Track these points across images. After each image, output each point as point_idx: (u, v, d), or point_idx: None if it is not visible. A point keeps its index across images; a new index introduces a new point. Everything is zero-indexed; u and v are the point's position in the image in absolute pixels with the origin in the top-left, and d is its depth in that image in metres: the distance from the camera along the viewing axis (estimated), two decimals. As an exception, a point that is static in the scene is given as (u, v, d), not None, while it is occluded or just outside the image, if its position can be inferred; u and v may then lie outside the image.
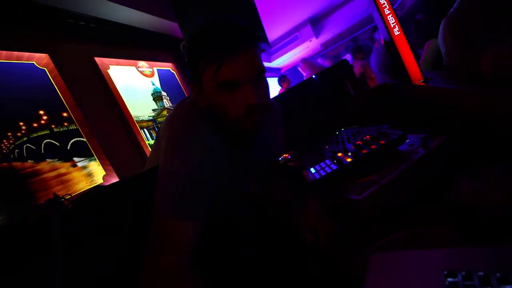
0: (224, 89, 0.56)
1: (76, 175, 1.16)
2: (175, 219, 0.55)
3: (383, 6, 1.12)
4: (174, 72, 2.21)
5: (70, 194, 0.80)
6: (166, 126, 0.67)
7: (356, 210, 0.62)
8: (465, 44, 0.77)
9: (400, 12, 6.53)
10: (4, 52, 1.09)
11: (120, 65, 1.74)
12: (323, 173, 0.75)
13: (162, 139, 0.64)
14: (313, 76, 1.79)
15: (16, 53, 1.17)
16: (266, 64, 4.79)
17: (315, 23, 5.04)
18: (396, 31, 1.15)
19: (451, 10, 0.90)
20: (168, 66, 2.17)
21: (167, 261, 0.53)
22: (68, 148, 1.19)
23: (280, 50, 5.25)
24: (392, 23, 1.14)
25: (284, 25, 4.69)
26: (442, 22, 0.92)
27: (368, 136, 1.04)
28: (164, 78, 2.04)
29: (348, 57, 4.08)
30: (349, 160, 0.74)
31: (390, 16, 1.14)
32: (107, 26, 1.69)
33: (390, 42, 1.17)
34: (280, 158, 1.49)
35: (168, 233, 0.55)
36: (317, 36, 5.06)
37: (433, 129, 0.91)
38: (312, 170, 0.83)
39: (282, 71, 7.05)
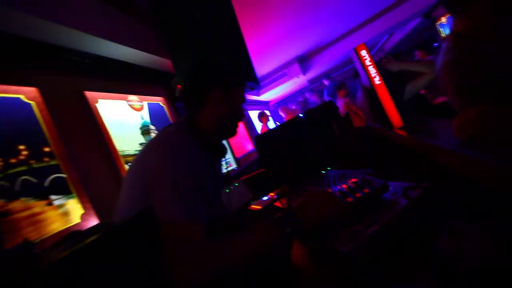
0: (233, 105, 0.86)
1: (50, 214, 1.09)
2: (185, 221, 0.63)
3: (364, 58, 1.23)
4: (164, 106, 2.24)
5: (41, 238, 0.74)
6: (157, 149, 0.75)
7: (342, 261, 0.61)
8: (460, 92, 0.79)
9: (380, 54, 7.07)
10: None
11: (110, 98, 1.75)
12: (308, 222, 0.75)
13: (149, 161, 0.72)
14: (300, 115, 1.85)
15: (2, 86, 1.16)
16: (255, 98, 4.91)
17: (303, 61, 5.36)
18: (377, 80, 1.25)
19: (449, 55, 0.85)
20: (158, 100, 2.20)
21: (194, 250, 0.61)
22: (46, 185, 1.14)
23: (268, 85, 5.47)
24: (373, 73, 1.25)
25: (273, 63, 4.96)
26: (440, 63, 0.88)
27: (354, 180, 1.06)
28: (154, 112, 2.06)
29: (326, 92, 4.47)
30: (334, 208, 0.74)
31: (371, 67, 1.25)
32: (101, 62, 1.73)
33: (371, 90, 1.27)
34: (267, 198, 1.48)
35: (182, 234, 0.62)
36: (304, 73, 5.35)
37: (414, 176, 0.94)
38: (298, 216, 0.82)
39: (270, 104, 7.30)
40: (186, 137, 0.78)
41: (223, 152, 0.96)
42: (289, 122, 2.08)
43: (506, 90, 0.68)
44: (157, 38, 2.09)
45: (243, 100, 0.90)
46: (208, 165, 0.86)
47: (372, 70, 1.21)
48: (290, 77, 5.27)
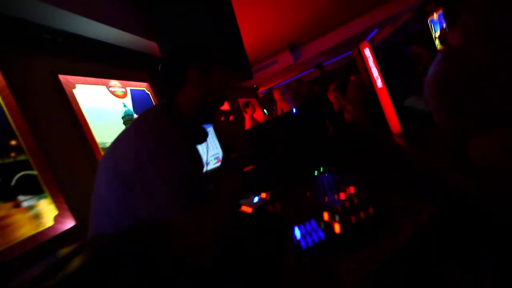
0: (213, 86, 0.83)
1: (18, 218, 0.97)
2: (184, 216, 0.61)
3: (368, 58, 1.17)
4: (149, 92, 2.08)
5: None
6: (138, 136, 0.69)
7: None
8: (453, 112, 0.76)
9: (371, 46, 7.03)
10: None
11: (89, 83, 1.59)
12: (310, 243, 0.70)
13: (129, 152, 0.67)
14: (293, 110, 1.79)
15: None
16: (243, 84, 4.72)
17: (294, 49, 5.22)
18: (379, 83, 1.20)
19: (439, 66, 0.81)
20: (142, 86, 2.04)
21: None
22: (12, 184, 1.01)
23: (258, 72, 5.31)
24: (376, 76, 1.19)
25: (264, 50, 4.79)
26: (429, 72, 0.83)
27: (351, 189, 1.02)
28: (138, 99, 1.91)
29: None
30: (337, 228, 0.70)
31: (374, 68, 1.18)
32: (77, 41, 1.54)
33: (372, 93, 1.22)
34: (257, 198, 1.43)
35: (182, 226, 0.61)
36: (295, 61, 5.22)
37: (414, 192, 0.91)
38: (297, 233, 0.77)
39: (258, 91, 7.13)
40: (167, 121, 0.74)
41: (204, 136, 0.93)
42: (280, 117, 2.02)
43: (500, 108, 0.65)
44: (142, 17, 1.90)
45: (226, 83, 0.85)
46: (192, 150, 0.84)
47: (375, 72, 1.15)
48: (281, 65, 5.13)
